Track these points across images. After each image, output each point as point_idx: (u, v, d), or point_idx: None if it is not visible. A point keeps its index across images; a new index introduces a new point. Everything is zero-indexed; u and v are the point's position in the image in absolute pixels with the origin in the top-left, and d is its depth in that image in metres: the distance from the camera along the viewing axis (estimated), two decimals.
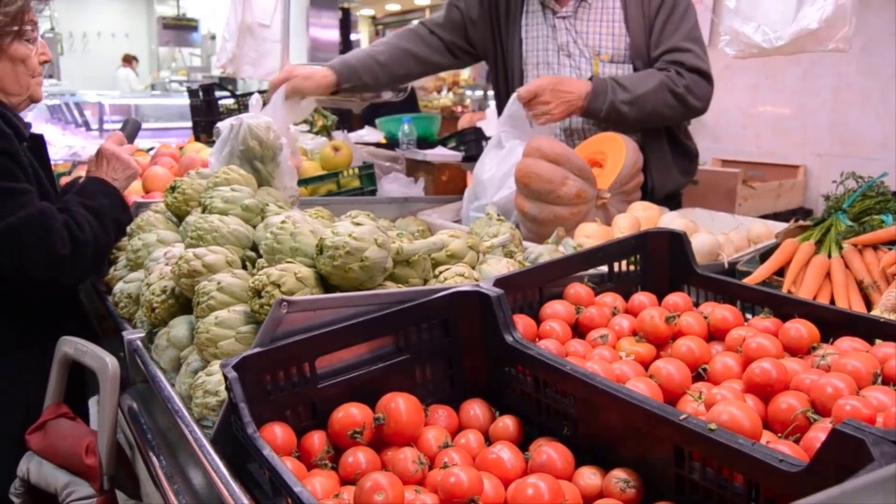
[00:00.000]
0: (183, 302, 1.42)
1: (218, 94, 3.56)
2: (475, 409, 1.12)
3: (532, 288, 1.31)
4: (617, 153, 2.06)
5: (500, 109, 2.51)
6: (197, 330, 1.23)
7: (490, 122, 3.40)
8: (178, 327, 1.37)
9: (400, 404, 1.02)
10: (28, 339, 1.77)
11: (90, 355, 1.48)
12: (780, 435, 0.91)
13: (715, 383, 1.05)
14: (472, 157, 2.86)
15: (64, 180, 2.32)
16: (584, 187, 1.91)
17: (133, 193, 2.36)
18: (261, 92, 2.91)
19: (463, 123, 5.29)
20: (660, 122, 2.28)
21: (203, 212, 1.58)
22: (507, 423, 1.08)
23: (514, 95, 2.19)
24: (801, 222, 1.73)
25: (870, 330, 1.08)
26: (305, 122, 3.41)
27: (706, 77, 2.23)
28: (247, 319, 1.23)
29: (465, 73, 10.64)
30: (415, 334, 1.14)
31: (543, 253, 1.63)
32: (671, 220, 1.90)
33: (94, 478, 1.42)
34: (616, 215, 1.93)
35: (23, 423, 1.60)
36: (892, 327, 1.06)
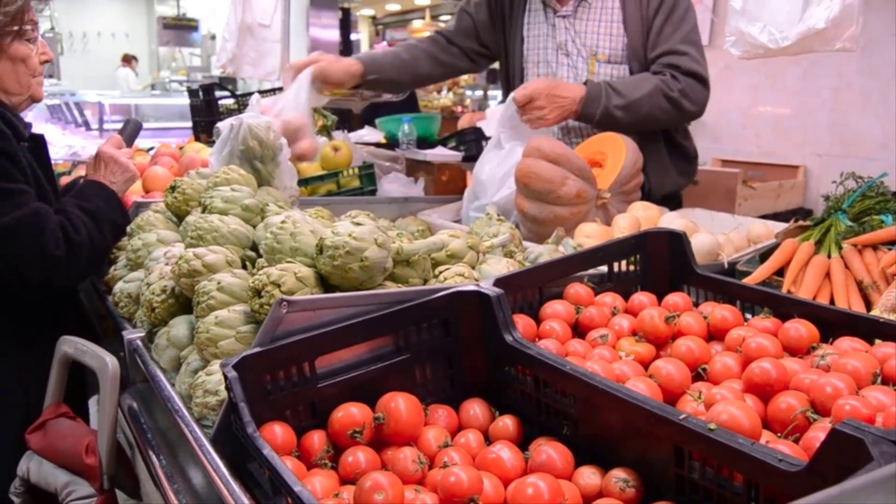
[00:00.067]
0: (183, 302, 1.42)
1: (218, 94, 3.56)
2: (475, 408, 1.12)
3: (532, 288, 1.31)
4: (617, 153, 2.06)
5: None
6: (197, 330, 1.24)
7: (490, 122, 3.40)
8: (178, 327, 1.37)
9: (400, 404, 1.02)
10: (28, 339, 1.78)
11: (90, 355, 1.48)
12: (779, 435, 0.91)
13: (715, 383, 1.05)
14: (472, 157, 2.86)
15: (64, 180, 2.32)
16: (584, 187, 1.91)
17: (133, 193, 2.36)
18: (261, 92, 2.91)
19: (463, 123, 5.28)
20: (655, 126, 2.28)
21: (203, 212, 1.59)
22: (506, 422, 1.08)
23: (510, 97, 2.19)
24: (800, 222, 1.73)
25: (869, 330, 1.08)
26: None
27: (702, 81, 2.23)
28: (247, 319, 1.23)
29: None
30: (415, 334, 1.14)
31: (543, 253, 1.63)
32: (671, 220, 1.90)
33: (94, 477, 1.42)
34: (616, 215, 1.93)
35: (23, 423, 1.60)
36: (891, 327, 1.06)
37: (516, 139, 2.19)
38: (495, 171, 2.16)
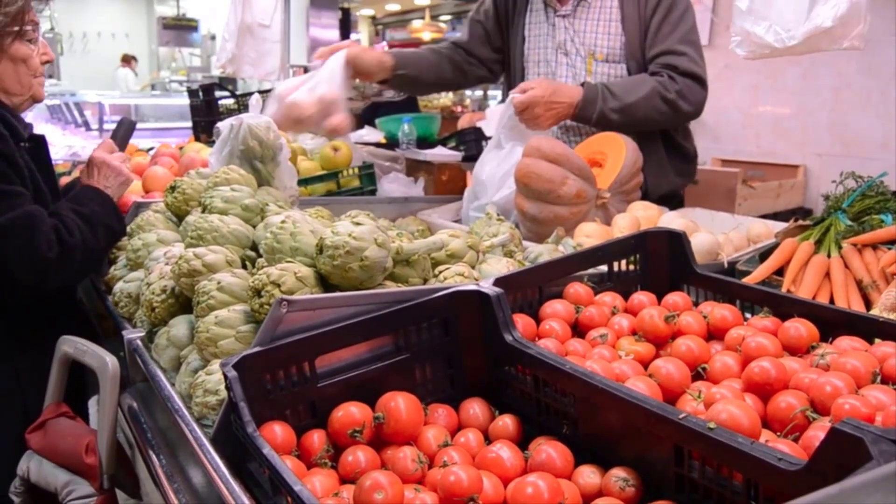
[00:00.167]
0: (183, 301, 1.42)
1: (218, 94, 3.56)
2: (475, 408, 1.12)
3: (532, 287, 1.31)
4: (617, 153, 2.07)
5: None
6: (197, 329, 1.24)
7: (490, 122, 3.40)
8: (178, 327, 1.37)
9: (399, 403, 1.02)
10: (24, 340, 1.77)
11: (90, 354, 1.48)
12: (779, 434, 0.91)
13: (714, 382, 1.05)
14: (471, 157, 2.86)
15: (64, 180, 2.32)
16: (583, 187, 1.91)
17: (133, 193, 2.36)
18: (261, 92, 2.91)
19: (463, 123, 5.28)
20: (652, 127, 2.29)
21: (203, 211, 1.59)
22: (506, 422, 1.08)
23: (509, 98, 2.20)
24: (800, 222, 1.73)
25: (869, 329, 1.08)
26: None
27: (700, 81, 2.23)
28: (247, 319, 1.23)
29: None
30: (414, 334, 1.14)
31: (543, 252, 1.63)
32: (671, 219, 1.90)
33: (94, 477, 1.42)
34: (616, 215, 1.93)
35: (21, 423, 1.60)
36: (891, 326, 1.06)
37: (516, 139, 2.19)
38: (495, 171, 2.17)
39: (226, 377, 0.96)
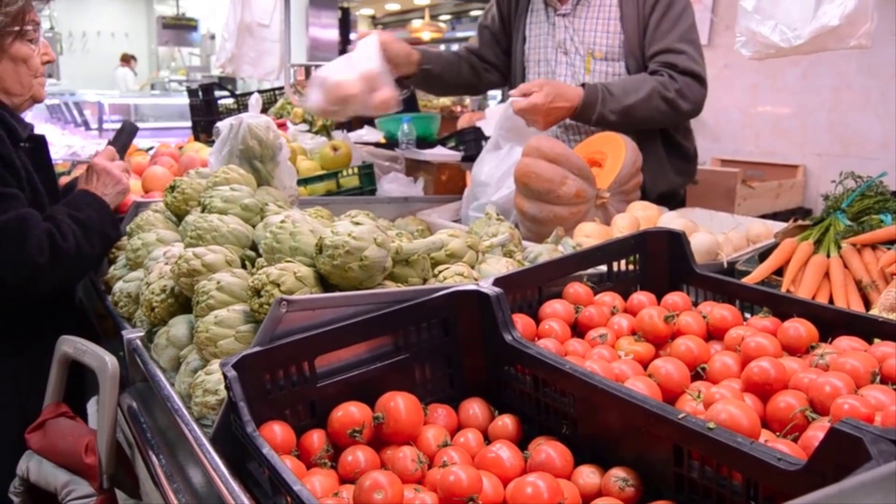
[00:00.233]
0: (182, 301, 1.42)
1: (217, 93, 3.57)
2: (474, 408, 1.12)
3: (531, 287, 1.31)
4: (616, 153, 2.07)
5: None
6: (196, 329, 1.24)
7: (489, 122, 3.40)
8: (178, 326, 1.37)
9: (399, 403, 1.02)
10: (27, 339, 1.77)
11: (90, 354, 1.48)
12: (778, 434, 0.91)
13: (714, 382, 1.05)
14: (471, 157, 2.86)
15: (63, 180, 2.32)
16: (583, 187, 1.91)
17: (133, 193, 2.36)
18: (260, 92, 2.91)
19: (462, 123, 5.28)
20: (652, 126, 2.29)
21: (202, 211, 1.59)
22: (506, 422, 1.08)
23: (509, 100, 2.20)
24: (800, 222, 1.73)
25: (868, 329, 1.08)
26: (304, 121, 3.41)
27: (699, 80, 2.23)
28: (246, 318, 1.23)
29: None
30: (414, 333, 1.14)
31: (543, 252, 1.63)
32: (670, 219, 1.90)
33: (94, 477, 1.42)
34: (615, 215, 1.93)
35: (19, 423, 1.60)
36: (890, 326, 1.06)
37: (514, 140, 2.19)
38: (494, 171, 2.17)
39: (225, 377, 0.96)
